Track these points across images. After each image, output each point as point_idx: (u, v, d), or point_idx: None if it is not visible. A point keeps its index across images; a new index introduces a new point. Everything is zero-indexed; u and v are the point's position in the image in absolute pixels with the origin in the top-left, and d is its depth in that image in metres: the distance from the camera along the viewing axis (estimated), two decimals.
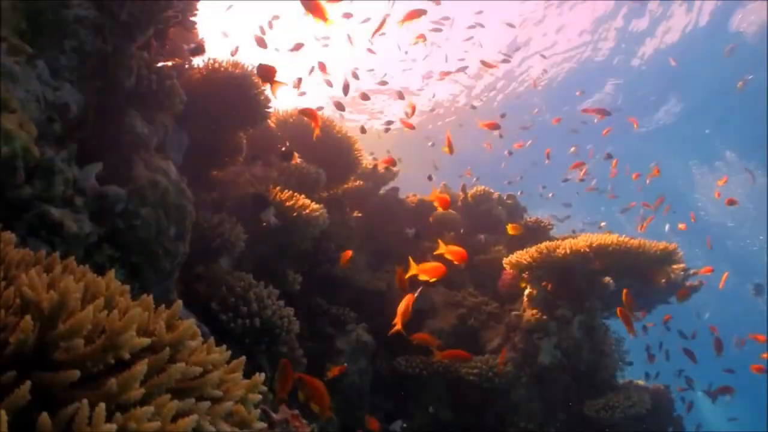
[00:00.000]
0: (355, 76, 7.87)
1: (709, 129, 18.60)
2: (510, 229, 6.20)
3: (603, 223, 11.14)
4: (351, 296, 5.95)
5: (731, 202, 8.52)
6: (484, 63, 8.64)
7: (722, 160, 20.62)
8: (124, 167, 3.01)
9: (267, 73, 3.54)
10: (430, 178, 9.17)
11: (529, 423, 5.38)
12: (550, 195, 13.79)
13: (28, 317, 0.92)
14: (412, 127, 6.80)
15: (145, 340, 1.06)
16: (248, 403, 1.35)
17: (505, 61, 12.83)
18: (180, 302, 1.31)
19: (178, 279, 3.39)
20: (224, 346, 1.35)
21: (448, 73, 10.38)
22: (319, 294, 5.60)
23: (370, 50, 9.17)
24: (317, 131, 4.32)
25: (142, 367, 0.97)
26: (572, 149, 11.80)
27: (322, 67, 6.02)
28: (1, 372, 0.88)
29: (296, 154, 5.48)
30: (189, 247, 3.35)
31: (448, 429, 5.54)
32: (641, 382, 6.55)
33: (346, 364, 4.90)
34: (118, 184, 2.93)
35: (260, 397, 1.40)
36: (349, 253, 4.88)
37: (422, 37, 6.53)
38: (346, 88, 6.62)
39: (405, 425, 5.23)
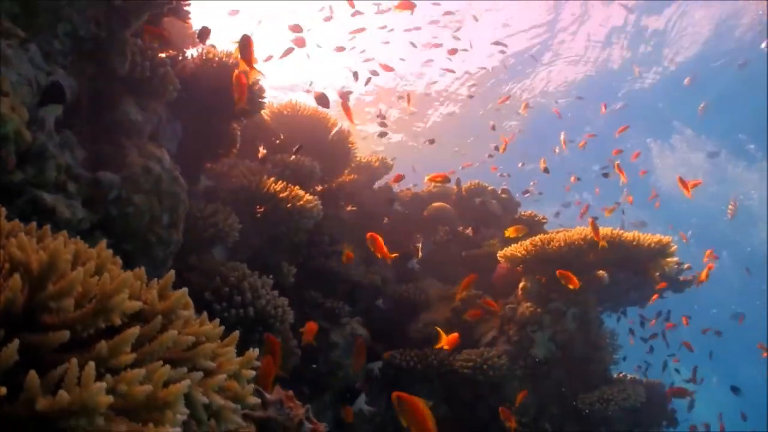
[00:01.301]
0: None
1: (662, 103, 18.67)
2: (513, 231, 6.16)
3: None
4: (345, 290, 5.94)
5: (687, 185, 8.40)
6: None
7: (679, 134, 20.70)
8: (118, 154, 2.99)
9: (245, 46, 3.36)
10: (431, 141, 9.23)
11: (523, 416, 5.37)
12: (531, 189, 13.83)
13: (16, 275, 0.91)
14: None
15: (137, 304, 1.04)
16: (241, 379, 1.34)
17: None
18: (173, 272, 1.30)
19: (171, 268, 3.36)
20: (217, 320, 1.33)
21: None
22: (313, 287, 5.59)
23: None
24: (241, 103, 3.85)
25: (133, 330, 0.95)
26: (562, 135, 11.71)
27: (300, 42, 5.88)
28: None
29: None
30: (182, 237, 3.33)
31: (443, 422, 5.53)
32: (635, 376, 6.56)
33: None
34: (111, 170, 2.91)
35: (254, 373, 1.39)
36: (351, 255, 4.87)
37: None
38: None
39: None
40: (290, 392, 1.82)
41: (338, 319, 5.46)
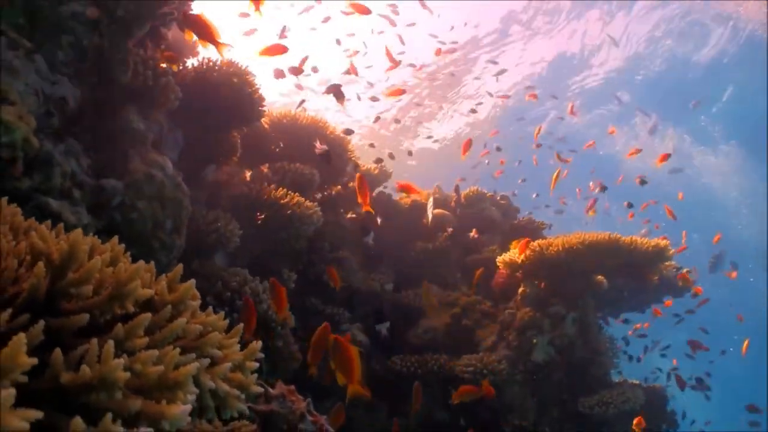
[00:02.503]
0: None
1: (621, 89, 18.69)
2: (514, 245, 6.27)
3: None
4: (345, 296, 5.98)
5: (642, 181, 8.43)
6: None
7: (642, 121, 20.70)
8: (121, 161, 3.05)
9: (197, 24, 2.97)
10: (410, 153, 9.38)
11: (524, 420, 5.41)
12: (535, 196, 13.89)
13: (41, 263, 0.97)
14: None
15: (149, 291, 1.10)
16: (245, 370, 1.39)
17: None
18: (181, 266, 1.36)
19: None
20: (222, 313, 1.39)
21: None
22: (313, 294, 5.63)
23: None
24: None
25: (146, 315, 1.01)
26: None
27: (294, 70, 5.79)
28: (16, 316, 0.92)
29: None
30: (185, 242, 3.39)
31: (443, 428, 5.57)
32: (636, 381, 6.59)
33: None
34: (114, 177, 2.97)
35: (257, 365, 1.44)
36: (337, 278, 4.87)
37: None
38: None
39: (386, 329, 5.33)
40: (292, 387, 1.87)
41: (338, 325, 5.50)
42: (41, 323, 0.88)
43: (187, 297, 1.24)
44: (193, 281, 1.29)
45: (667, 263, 5.95)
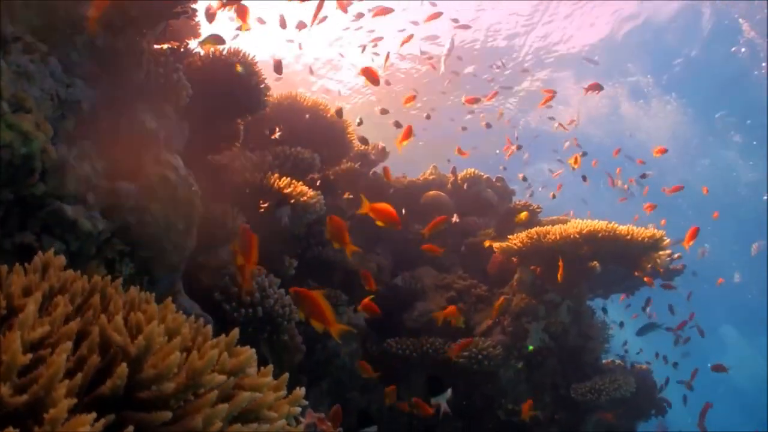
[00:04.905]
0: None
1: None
2: (517, 219, 6.31)
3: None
4: (341, 278, 6.01)
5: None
6: None
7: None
8: (134, 162, 3.03)
9: None
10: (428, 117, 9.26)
11: (517, 405, 5.50)
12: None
13: (124, 365, 0.98)
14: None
15: (222, 378, 1.11)
16: (290, 418, 1.42)
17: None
18: (237, 330, 1.37)
19: (182, 271, 3.43)
20: (270, 366, 1.40)
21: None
22: (310, 276, 5.65)
23: None
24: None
25: (224, 406, 1.03)
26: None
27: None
28: (96, 411, 0.93)
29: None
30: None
31: (438, 410, 5.65)
32: (620, 362, 6.70)
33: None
34: (128, 179, 2.96)
35: (299, 410, 1.46)
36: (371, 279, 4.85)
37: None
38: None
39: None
40: (321, 415, 1.90)
41: (335, 308, 5.54)
42: (130, 429, 0.90)
43: (247, 366, 1.26)
44: (253, 351, 1.30)
45: (661, 252, 6.01)
